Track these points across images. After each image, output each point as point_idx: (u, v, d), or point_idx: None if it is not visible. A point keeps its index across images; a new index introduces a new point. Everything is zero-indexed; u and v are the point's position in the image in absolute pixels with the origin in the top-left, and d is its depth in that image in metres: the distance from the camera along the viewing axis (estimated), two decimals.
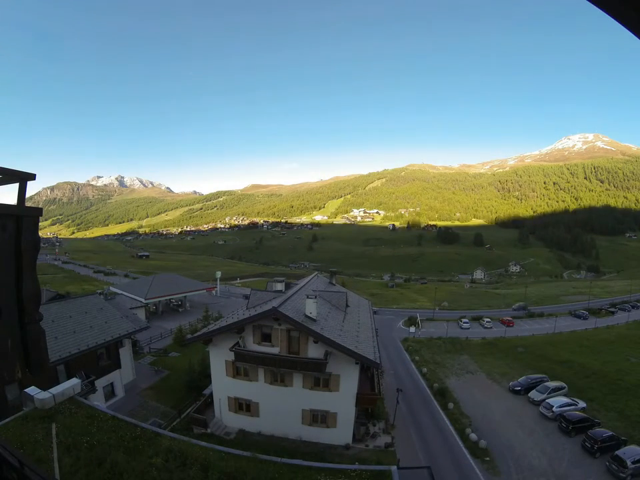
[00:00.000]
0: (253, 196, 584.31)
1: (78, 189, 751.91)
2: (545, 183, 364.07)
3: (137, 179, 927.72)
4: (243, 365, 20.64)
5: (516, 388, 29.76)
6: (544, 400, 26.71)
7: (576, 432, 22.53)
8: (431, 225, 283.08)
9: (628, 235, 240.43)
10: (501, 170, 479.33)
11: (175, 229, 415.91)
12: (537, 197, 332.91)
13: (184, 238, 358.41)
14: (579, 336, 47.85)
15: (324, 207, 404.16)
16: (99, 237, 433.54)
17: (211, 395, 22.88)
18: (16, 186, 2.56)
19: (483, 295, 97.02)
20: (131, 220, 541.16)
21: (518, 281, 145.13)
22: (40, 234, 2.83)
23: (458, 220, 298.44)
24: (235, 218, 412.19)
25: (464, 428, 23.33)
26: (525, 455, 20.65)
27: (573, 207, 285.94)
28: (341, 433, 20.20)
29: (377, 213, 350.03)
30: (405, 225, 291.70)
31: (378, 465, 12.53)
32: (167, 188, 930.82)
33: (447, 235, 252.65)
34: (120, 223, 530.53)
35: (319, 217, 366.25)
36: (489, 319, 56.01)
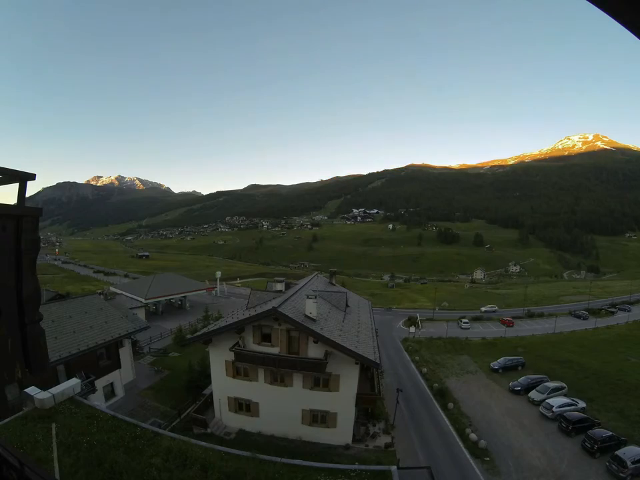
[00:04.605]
0: (252, 196, 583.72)
1: (78, 188, 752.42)
2: (544, 182, 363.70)
3: (137, 178, 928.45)
4: (243, 365, 20.63)
5: (516, 388, 29.77)
6: (544, 400, 26.72)
7: (576, 432, 22.54)
8: (431, 225, 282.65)
9: (628, 235, 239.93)
10: (501, 170, 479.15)
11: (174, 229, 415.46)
12: (537, 196, 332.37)
13: (184, 238, 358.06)
14: (578, 336, 47.85)
15: (324, 207, 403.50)
16: (99, 236, 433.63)
17: (211, 395, 22.86)
18: (16, 186, 2.56)
19: (483, 295, 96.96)
20: (131, 220, 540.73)
21: (518, 281, 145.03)
22: (40, 234, 2.82)
23: (458, 220, 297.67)
24: (235, 218, 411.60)
25: (464, 428, 23.34)
26: (524, 455, 20.64)
27: (572, 207, 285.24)
28: (341, 433, 20.17)
29: (377, 212, 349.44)
30: (405, 225, 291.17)
31: (378, 465, 12.51)
32: (167, 188, 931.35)
33: (447, 235, 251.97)
34: (120, 223, 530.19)
35: (318, 217, 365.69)
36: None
